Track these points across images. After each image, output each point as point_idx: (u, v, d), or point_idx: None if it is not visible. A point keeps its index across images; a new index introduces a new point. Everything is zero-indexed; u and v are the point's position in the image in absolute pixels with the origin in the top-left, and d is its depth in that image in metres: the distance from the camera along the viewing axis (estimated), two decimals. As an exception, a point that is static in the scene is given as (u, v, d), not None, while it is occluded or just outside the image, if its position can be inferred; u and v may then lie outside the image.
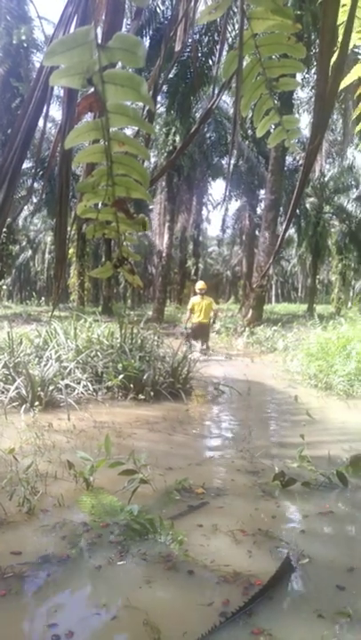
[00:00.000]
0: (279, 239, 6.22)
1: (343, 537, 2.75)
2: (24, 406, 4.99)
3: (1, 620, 1.92)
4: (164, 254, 20.71)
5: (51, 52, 0.65)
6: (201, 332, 10.02)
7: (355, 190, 24.72)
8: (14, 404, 5.09)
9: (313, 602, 2.03)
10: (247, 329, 13.98)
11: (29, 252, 41.30)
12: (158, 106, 16.67)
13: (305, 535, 2.67)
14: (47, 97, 1.16)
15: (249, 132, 19.30)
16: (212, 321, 10.49)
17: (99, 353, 6.41)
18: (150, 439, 4.45)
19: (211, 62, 15.11)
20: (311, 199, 24.95)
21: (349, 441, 4.39)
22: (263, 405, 6.48)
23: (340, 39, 1.09)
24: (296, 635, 1.87)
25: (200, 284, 10.42)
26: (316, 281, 30.12)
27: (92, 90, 0.68)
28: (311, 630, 1.88)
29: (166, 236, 20.58)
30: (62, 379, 5.57)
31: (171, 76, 14.71)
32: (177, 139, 17.46)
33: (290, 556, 2.35)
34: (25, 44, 15.60)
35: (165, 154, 18.25)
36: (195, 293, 10.71)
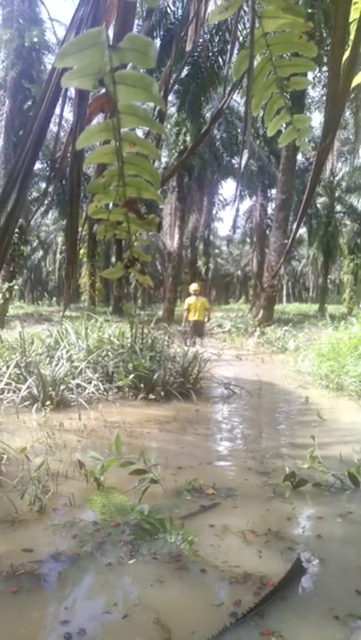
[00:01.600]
0: (290, 239, 6.20)
1: (356, 538, 2.73)
2: (35, 405, 5.03)
3: (12, 617, 1.93)
4: (174, 254, 20.72)
5: (63, 53, 0.66)
6: (197, 328, 10.96)
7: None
8: (26, 403, 5.13)
9: (324, 603, 2.02)
10: (258, 329, 13.95)
11: (41, 253, 41.58)
12: (169, 106, 16.69)
13: (316, 536, 2.66)
14: (59, 98, 1.17)
15: (260, 131, 19.24)
16: (206, 318, 11.45)
17: (109, 353, 6.44)
18: (161, 439, 4.46)
19: (221, 62, 15.09)
20: (323, 199, 24.78)
21: (361, 442, 4.36)
22: (274, 406, 6.46)
23: (351, 37, 1.08)
24: (307, 636, 1.86)
25: (194, 286, 11.46)
26: (328, 281, 29.91)
27: (104, 91, 0.68)
28: (322, 632, 1.86)
29: (177, 236, 20.58)
30: (73, 378, 5.60)
31: (181, 75, 14.71)
32: (187, 139, 17.46)
33: (301, 557, 2.34)
34: (37, 46, 15.69)
35: (176, 154, 18.26)
36: (188, 295, 11.75)
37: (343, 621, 1.91)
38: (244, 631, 1.83)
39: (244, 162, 17.58)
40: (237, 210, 28.09)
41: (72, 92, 1.21)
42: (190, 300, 11.18)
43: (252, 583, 2.14)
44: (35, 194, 18.83)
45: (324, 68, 13.93)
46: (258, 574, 2.20)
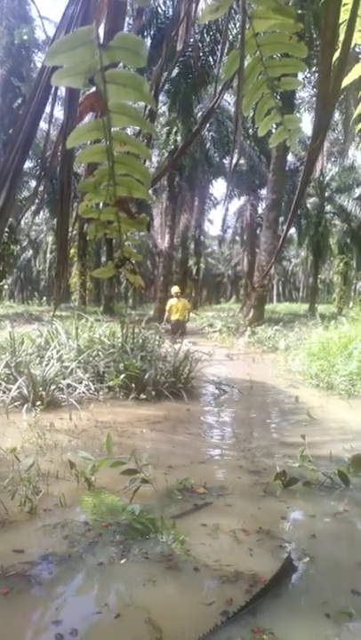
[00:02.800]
0: (281, 239, 6.24)
1: (346, 536, 2.75)
2: (26, 406, 5.00)
3: (3, 619, 1.92)
4: (165, 254, 20.72)
5: (52, 51, 0.65)
6: (178, 326, 11.97)
7: (357, 190, 24.68)
8: (16, 403, 5.09)
9: (316, 601, 2.03)
10: (248, 328, 14.01)
11: (31, 252, 41.35)
12: (160, 105, 16.68)
13: (307, 535, 2.67)
14: (49, 97, 1.16)
15: (250, 131, 19.29)
16: (186, 318, 12.72)
17: (100, 353, 6.42)
18: (152, 439, 4.46)
19: (212, 61, 15.10)
20: (313, 199, 24.93)
21: (351, 440, 4.39)
22: (265, 405, 6.48)
23: (341, 38, 1.09)
24: (298, 634, 1.87)
25: (175, 289, 12.66)
26: (318, 280, 30.10)
27: (94, 89, 0.68)
28: (314, 629, 1.88)
29: (167, 236, 20.59)
30: (64, 378, 5.58)
31: (172, 75, 14.70)
32: (178, 138, 17.47)
33: (291, 555, 2.35)
34: (27, 44, 15.60)
35: (167, 153, 18.25)
36: (171, 296, 12.81)
37: (334, 619, 1.92)
38: (236, 629, 1.83)
39: (234, 162, 17.62)
40: (227, 209, 28.24)
41: (62, 91, 1.20)
42: (172, 301, 12.08)
43: (244, 582, 2.14)
44: (25, 193, 18.71)
45: (314, 69, 14.01)
46: (249, 573, 2.21)
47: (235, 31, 10.27)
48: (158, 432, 4.66)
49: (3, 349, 6.04)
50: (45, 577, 2.17)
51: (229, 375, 7.48)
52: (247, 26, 0.98)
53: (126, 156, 0.77)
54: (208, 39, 14.85)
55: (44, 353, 6.09)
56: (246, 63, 1.04)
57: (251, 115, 1.14)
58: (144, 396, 5.72)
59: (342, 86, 1.20)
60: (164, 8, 15.61)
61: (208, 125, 19.36)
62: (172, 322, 11.87)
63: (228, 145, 20.70)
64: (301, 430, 4.21)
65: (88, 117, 0.78)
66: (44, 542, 2.47)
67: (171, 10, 15.02)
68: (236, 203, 29.20)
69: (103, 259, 30.15)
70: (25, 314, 17.73)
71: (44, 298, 24.94)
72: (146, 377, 5.96)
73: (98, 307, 22.80)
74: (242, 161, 22.02)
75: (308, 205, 24.45)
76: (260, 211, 25.85)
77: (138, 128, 0.80)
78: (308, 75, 16.34)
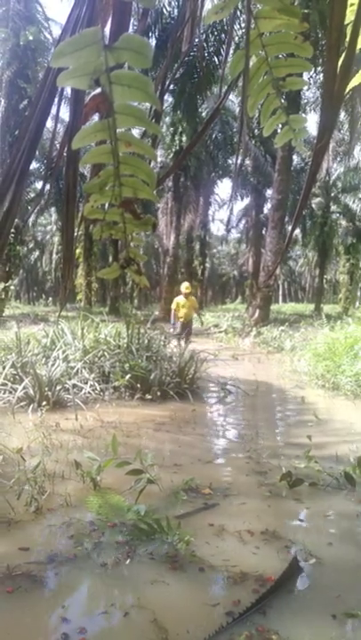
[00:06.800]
0: (286, 239, 6.22)
1: (352, 537, 2.74)
2: (31, 406, 5.02)
3: (9, 617, 1.93)
4: (170, 254, 20.74)
5: (58, 53, 0.66)
6: (185, 327, 11.36)
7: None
8: (22, 403, 5.11)
9: (321, 601, 2.03)
10: (254, 329, 13.98)
11: (37, 253, 41.51)
12: (165, 105, 16.72)
13: (313, 536, 2.66)
14: (55, 98, 1.17)
15: (256, 131, 19.27)
16: (192, 318, 12.05)
17: (106, 353, 6.43)
18: (157, 439, 4.46)
19: (217, 62, 15.10)
20: (318, 199, 24.86)
21: (357, 441, 4.37)
22: (270, 406, 6.47)
23: (347, 39, 1.08)
24: (304, 634, 1.86)
25: (185, 285, 11.95)
26: (324, 281, 29.99)
27: (99, 90, 0.68)
28: (319, 630, 1.87)
29: (173, 236, 20.62)
30: (69, 379, 5.59)
31: (177, 75, 14.71)
32: (183, 139, 17.48)
33: (297, 556, 2.35)
34: (32, 46, 15.66)
35: (172, 154, 18.27)
36: (179, 293, 12.02)
37: (340, 620, 1.91)
38: (241, 629, 1.83)
39: (239, 162, 17.58)
40: (232, 210, 28.22)
41: (68, 92, 1.20)
42: (179, 299, 11.35)
43: (250, 582, 2.14)
44: (32, 194, 18.80)
45: (319, 69, 13.95)
46: (255, 573, 2.20)
47: (240, 31, 10.26)
48: (164, 432, 4.66)
49: (9, 350, 6.07)
50: (51, 577, 2.18)
51: (235, 375, 7.46)
52: (252, 26, 0.97)
53: (132, 157, 0.77)
54: (213, 39, 14.85)
55: (50, 353, 6.11)
56: (251, 63, 1.03)
57: (256, 115, 1.14)
58: (149, 397, 5.72)
59: (349, 88, 1.19)
60: (169, 9, 15.64)
61: (213, 125, 19.36)
62: (179, 321, 11.18)
63: (234, 145, 20.71)
64: (307, 431, 4.20)
65: (94, 118, 0.78)
66: (49, 542, 2.48)
67: (176, 10, 15.03)
68: (243, 203, 29.26)
69: (109, 259, 30.21)
70: (31, 314, 17.81)
71: (50, 298, 25.08)
72: (151, 377, 5.96)
73: (103, 307, 22.86)
74: (247, 161, 22.01)
75: (314, 205, 24.39)
76: (265, 211, 25.81)
77: (143, 129, 0.80)
78: (314, 74, 16.29)
